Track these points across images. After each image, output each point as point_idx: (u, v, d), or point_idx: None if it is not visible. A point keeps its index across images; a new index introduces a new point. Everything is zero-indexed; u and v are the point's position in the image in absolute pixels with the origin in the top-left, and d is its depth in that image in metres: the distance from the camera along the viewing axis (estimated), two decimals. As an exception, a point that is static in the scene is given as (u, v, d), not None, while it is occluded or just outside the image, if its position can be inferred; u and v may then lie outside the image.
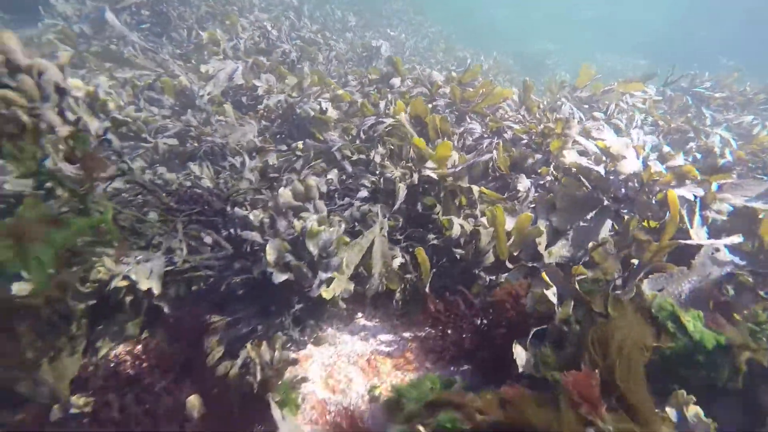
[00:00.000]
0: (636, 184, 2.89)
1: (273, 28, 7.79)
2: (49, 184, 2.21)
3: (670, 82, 6.59)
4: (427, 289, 2.66)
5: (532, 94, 4.98)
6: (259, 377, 2.14)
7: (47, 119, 2.16)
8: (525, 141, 3.83)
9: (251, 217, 2.69)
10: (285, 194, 2.51)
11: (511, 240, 2.71)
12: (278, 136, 4.52)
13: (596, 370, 1.78)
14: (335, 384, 2.40)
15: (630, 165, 2.88)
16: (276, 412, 2.05)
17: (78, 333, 2.07)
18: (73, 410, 1.98)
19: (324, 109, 4.55)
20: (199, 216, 2.67)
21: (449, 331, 2.49)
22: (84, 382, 2.11)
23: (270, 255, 2.33)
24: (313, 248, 2.31)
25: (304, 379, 2.34)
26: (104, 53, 5.96)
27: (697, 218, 2.72)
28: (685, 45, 21.74)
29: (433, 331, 2.60)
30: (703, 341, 2.04)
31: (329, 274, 2.34)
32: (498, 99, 4.76)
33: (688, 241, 2.42)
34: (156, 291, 2.30)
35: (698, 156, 4.26)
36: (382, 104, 4.61)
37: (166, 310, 2.48)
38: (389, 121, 3.88)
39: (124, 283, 2.19)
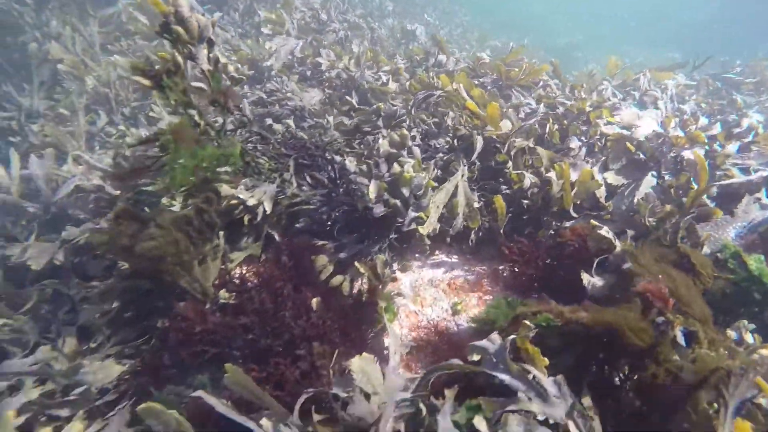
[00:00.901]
0: (660, 146, 3.25)
1: (322, 10, 8.18)
2: (192, 113, 2.64)
3: (697, 66, 6.81)
4: (501, 231, 3.05)
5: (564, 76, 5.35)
6: (366, 287, 2.55)
7: (199, 55, 2.59)
8: (573, 114, 4.18)
9: (347, 162, 3.10)
10: (384, 144, 2.90)
11: (574, 191, 3.07)
12: (339, 102, 4.91)
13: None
14: (422, 300, 2.81)
15: (641, 131, 3.27)
16: (384, 314, 2.47)
17: (217, 244, 2.50)
18: (221, 301, 2.43)
19: (385, 81, 4.94)
20: (303, 160, 3.08)
21: (520, 265, 2.87)
22: (223, 284, 2.55)
23: (372, 192, 2.73)
24: (405, 190, 2.71)
25: (399, 294, 2.75)
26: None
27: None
28: (721, 39, 21.56)
29: (504, 265, 2.99)
30: (762, 276, 2.37)
31: (419, 213, 2.73)
32: (539, 74, 5.12)
33: (729, 181, 2.75)
34: (268, 210, 2.71)
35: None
36: (433, 80, 4.98)
37: (277, 237, 2.91)
38: (439, 92, 4.25)
39: (235, 202, 2.60)
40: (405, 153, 2.89)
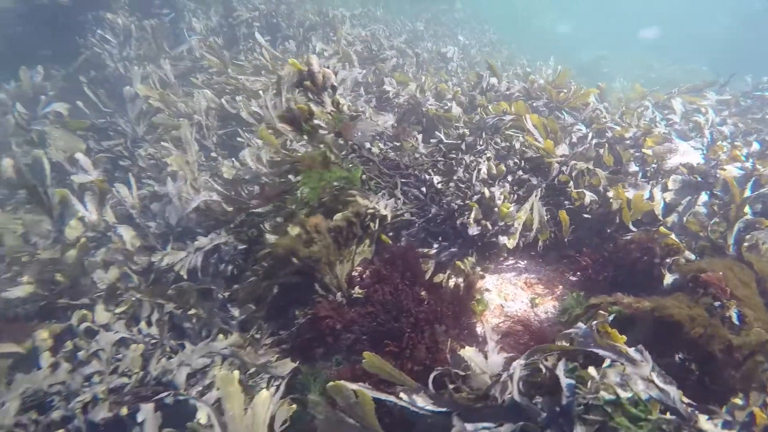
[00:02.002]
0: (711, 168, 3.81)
1: (373, 41, 8.94)
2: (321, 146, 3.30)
3: (724, 84, 7.27)
4: (565, 240, 3.62)
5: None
6: (462, 282, 3.14)
7: (324, 100, 3.25)
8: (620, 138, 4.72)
9: (435, 180, 3.72)
10: (483, 170, 3.52)
11: (631, 209, 3.62)
12: (408, 126, 5.55)
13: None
14: (506, 295, 3.38)
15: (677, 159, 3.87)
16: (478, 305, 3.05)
17: (352, 248, 3.12)
18: (354, 296, 3.04)
19: (449, 107, 5.58)
20: (401, 179, 3.70)
21: (588, 267, 3.42)
22: (349, 281, 3.16)
23: (472, 217, 3.34)
24: (500, 220, 3.31)
25: (487, 290, 3.33)
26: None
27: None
28: (750, 51, 21.75)
29: (570, 268, 3.55)
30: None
31: (509, 240, 3.33)
32: (587, 97, 5.69)
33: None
34: (388, 219, 3.33)
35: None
36: (489, 106, 5.59)
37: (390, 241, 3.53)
38: (508, 117, 4.87)
39: (371, 210, 3.22)
40: (497, 184, 3.50)
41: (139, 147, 5.84)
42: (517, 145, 4.20)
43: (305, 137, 3.25)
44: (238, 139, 5.46)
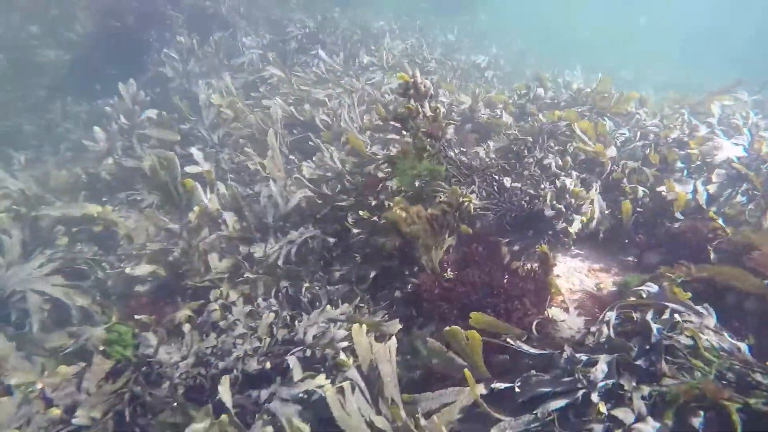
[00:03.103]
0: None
1: (415, 54, 9.53)
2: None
3: (760, 88, 7.64)
4: (629, 228, 4.09)
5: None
6: (539, 266, 3.62)
7: (425, 105, 3.79)
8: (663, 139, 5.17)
9: (506, 180, 4.23)
10: (553, 164, 4.02)
11: (680, 201, 4.08)
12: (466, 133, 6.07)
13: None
14: (573, 280, 3.85)
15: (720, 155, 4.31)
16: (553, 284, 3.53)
17: (444, 236, 3.63)
18: (446, 276, 3.55)
19: (500, 115, 6.09)
20: (477, 178, 4.22)
21: (644, 251, 3.89)
22: (441, 264, 3.67)
23: (549, 199, 3.83)
24: (572, 199, 3.79)
25: (557, 276, 3.80)
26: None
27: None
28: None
29: (629, 254, 4.01)
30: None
31: (581, 217, 3.81)
32: (627, 103, 6.17)
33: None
34: (471, 210, 3.83)
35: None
36: (540, 114, 6.09)
37: (470, 231, 4.03)
38: (563, 123, 5.36)
39: (467, 199, 3.72)
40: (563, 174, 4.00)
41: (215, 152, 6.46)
42: (571, 149, 4.68)
43: (407, 134, 3.81)
44: (310, 143, 6.03)
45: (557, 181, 3.93)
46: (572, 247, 4.23)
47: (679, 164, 4.54)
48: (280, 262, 4.15)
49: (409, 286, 3.56)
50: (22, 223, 4.72)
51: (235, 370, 2.85)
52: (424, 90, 3.71)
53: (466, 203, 3.61)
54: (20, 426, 2.26)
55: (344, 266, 3.97)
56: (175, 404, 2.35)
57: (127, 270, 4.28)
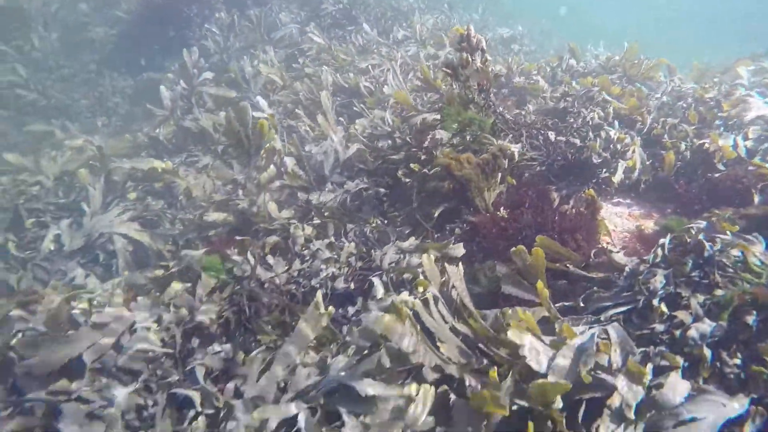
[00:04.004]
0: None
1: (445, 29, 9.73)
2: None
3: None
4: (671, 177, 4.33)
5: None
6: (587, 207, 3.89)
7: (476, 58, 4.05)
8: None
9: (550, 134, 4.49)
10: (595, 117, 4.27)
11: (724, 151, 4.30)
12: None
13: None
14: (615, 222, 4.12)
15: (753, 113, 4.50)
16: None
17: (495, 180, 3.92)
18: (500, 214, 3.84)
19: (536, 80, 6.32)
20: (525, 131, 4.48)
21: (682, 197, 4.13)
22: (493, 206, 3.96)
23: (596, 147, 4.09)
24: (618, 145, 4.05)
25: (602, 218, 4.07)
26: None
27: None
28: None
29: (669, 203, 4.26)
30: None
31: (626, 163, 4.06)
32: (657, 70, 6.37)
33: None
34: (516, 158, 4.11)
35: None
36: (573, 81, 6.31)
37: (514, 182, 4.31)
38: (597, 88, 5.58)
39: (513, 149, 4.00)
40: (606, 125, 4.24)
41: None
42: (610, 109, 4.92)
43: (457, 84, 4.09)
44: (354, 108, 6.34)
45: (602, 131, 4.18)
46: (613, 197, 4.48)
47: (717, 122, 4.74)
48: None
49: (466, 225, 3.86)
50: (99, 177, 5.13)
51: (324, 288, 3.19)
52: (476, 43, 3.97)
53: (512, 151, 3.89)
54: (156, 320, 2.63)
55: (401, 211, 4.29)
56: (281, 306, 2.70)
57: (203, 217, 4.66)
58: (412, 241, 3.65)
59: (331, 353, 2.35)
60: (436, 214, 3.92)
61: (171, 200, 5.49)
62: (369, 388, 1.93)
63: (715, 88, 5.30)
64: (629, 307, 2.71)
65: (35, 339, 2.29)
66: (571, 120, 4.57)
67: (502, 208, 3.92)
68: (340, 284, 3.18)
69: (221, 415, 2.10)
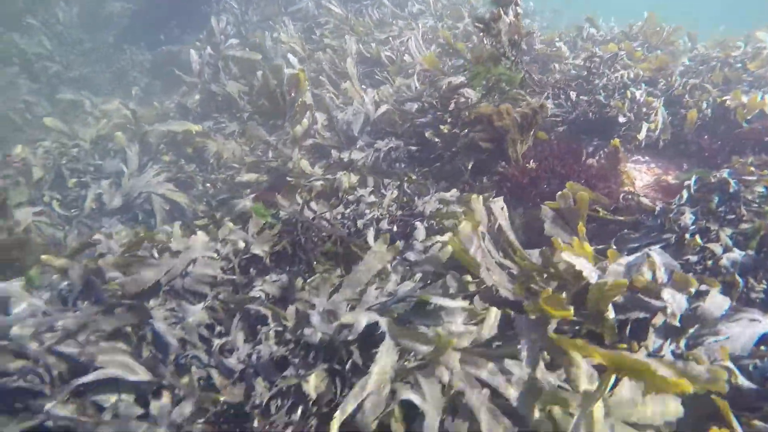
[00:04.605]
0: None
1: (461, 4, 9.77)
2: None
3: None
4: (692, 133, 4.47)
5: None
6: (610, 159, 4.04)
7: (508, 12, 4.17)
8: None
9: (572, 94, 4.62)
10: (623, 77, 4.39)
11: (750, 105, 4.42)
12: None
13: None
14: (635, 177, 4.27)
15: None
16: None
17: (528, 135, 4.07)
18: (529, 167, 4.00)
19: (558, 47, 6.42)
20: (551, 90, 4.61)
21: (704, 151, 4.27)
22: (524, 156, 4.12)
23: (624, 108, 4.22)
24: (644, 108, 4.18)
25: (626, 169, 4.22)
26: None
27: None
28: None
29: (687, 164, 4.40)
30: None
31: (649, 124, 4.20)
32: (677, 35, 6.49)
33: None
34: (548, 114, 4.24)
35: None
36: (596, 48, 6.41)
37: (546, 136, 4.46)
38: (622, 53, 5.69)
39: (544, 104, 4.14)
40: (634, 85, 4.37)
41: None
42: (632, 74, 5.03)
43: (488, 38, 4.21)
44: (376, 77, 6.47)
45: (627, 91, 4.31)
46: (633, 154, 4.63)
47: (743, 84, 4.86)
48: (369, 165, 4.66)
49: (498, 177, 4.02)
50: (135, 140, 5.31)
51: (371, 228, 3.36)
52: (508, -2, 4.09)
53: (545, 106, 4.03)
54: (216, 252, 2.82)
55: (432, 167, 4.45)
56: (334, 238, 2.88)
57: (236, 178, 4.85)
58: (453, 192, 3.81)
59: (396, 283, 2.52)
60: (469, 166, 4.08)
61: (201, 164, 5.67)
62: (440, 300, 2.11)
63: (740, 49, 5.40)
64: (661, 245, 2.87)
65: (127, 259, 2.50)
66: (596, 81, 4.69)
67: (531, 161, 4.08)
68: (384, 226, 3.35)
69: (293, 325, 2.29)
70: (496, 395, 1.87)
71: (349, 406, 1.72)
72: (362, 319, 1.98)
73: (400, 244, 2.97)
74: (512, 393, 1.86)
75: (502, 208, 3.20)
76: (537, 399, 1.84)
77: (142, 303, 2.36)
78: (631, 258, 2.33)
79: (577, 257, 2.25)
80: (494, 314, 2.10)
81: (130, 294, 2.38)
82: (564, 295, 2.29)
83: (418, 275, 2.49)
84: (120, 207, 5.00)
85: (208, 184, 5.26)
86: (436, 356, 1.85)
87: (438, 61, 5.07)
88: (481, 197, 3.30)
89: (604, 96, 4.45)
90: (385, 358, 1.84)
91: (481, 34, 4.24)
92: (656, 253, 2.40)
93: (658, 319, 2.27)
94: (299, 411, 2.01)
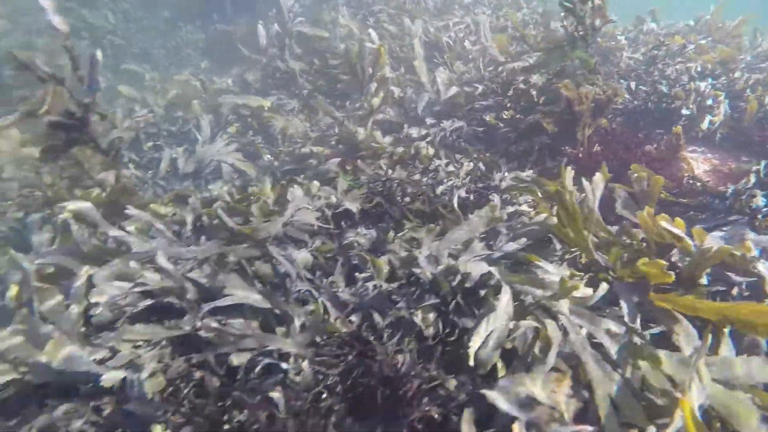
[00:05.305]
0: None
1: None
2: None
3: None
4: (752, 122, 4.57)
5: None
6: (664, 149, 4.16)
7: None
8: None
9: (632, 84, 4.74)
10: (684, 70, 4.50)
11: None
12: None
13: None
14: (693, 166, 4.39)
15: None
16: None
17: (600, 119, 4.22)
18: (594, 150, 4.15)
19: (619, 40, 6.52)
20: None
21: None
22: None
23: (683, 98, 4.34)
24: (708, 100, 4.29)
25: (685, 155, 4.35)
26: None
27: None
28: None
29: (745, 156, 4.50)
30: None
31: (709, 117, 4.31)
32: (741, 27, 6.57)
33: None
34: (621, 98, 4.38)
35: None
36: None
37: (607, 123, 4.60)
38: (691, 46, 5.77)
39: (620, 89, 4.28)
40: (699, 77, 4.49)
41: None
42: (699, 67, 5.13)
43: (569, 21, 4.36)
44: (434, 60, 6.66)
45: (692, 83, 4.42)
46: (689, 145, 4.74)
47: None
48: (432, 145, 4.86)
49: (565, 159, 4.19)
50: (207, 111, 5.60)
51: (451, 194, 3.56)
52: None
53: (620, 92, 4.18)
54: (311, 205, 3.06)
55: (499, 147, 4.64)
56: (422, 197, 3.10)
57: (302, 150, 5.09)
58: (529, 173, 3.99)
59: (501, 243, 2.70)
60: (537, 148, 4.26)
61: (266, 138, 5.94)
62: (544, 264, 2.30)
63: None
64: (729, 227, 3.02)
65: (239, 207, 2.78)
66: (656, 73, 4.81)
67: (596, 144, 4.23)
68: (462, 194, 3.55)
69: (400, 265, 2.52)
70: (594, 346, 2.05)
71: (478, 338, 1.93)
72: (477, 267, 2.18)
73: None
74: (611, 345, 2.03)
75: (591, 184, 3.38)
76: (634, 354, 2.01)
77: (263, 240, 2.61)
78: (721, 233, 2.49)
79: (675, 226, 2.42)
80: (605, 287, 2.26)
81: (255, 238, 2.63)
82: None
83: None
84: (191, 172, 5.29)
85: (272, 157, 5.53)
86: (551, 300, 2.05)
87: (508, 44, 5.24)
88: (571, 171, 3.49)
89: (666, 86, 4.56)
90: (506, 298, 2.04)
91: (564, 15, 4.38)
92: (747, 231, 2.56)
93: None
94: (407, 341, 2.24)
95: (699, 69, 4.72)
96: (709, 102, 4.40)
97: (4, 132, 5.92)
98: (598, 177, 3.29)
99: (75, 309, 2.07)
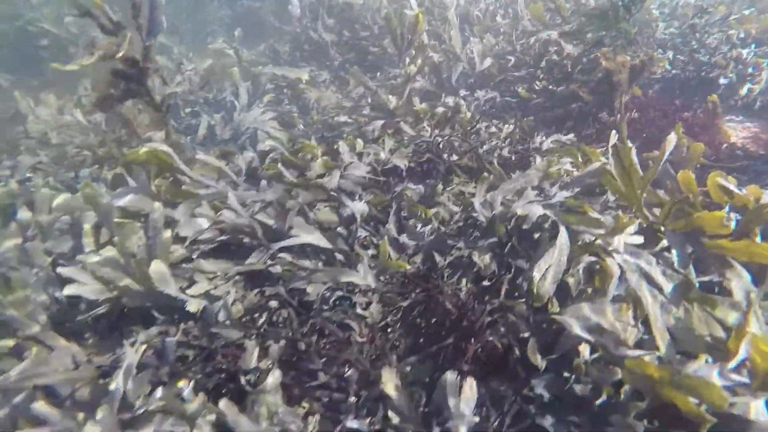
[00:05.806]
0: None
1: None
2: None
3: None
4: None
5: None
6: (702, 116, 4.19)
7: None
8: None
9: (669, 54, 4.74)
10: (726, 38, 4.51)
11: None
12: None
13: None
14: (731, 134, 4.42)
15: None
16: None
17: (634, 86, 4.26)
18: (631, 116, 4.19)
19: (653, 13, 6.49)
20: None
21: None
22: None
23: (730, 66, 4.35)
24: (750, 68, 4.30)
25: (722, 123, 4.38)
26: None
27: None
28: None
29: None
30: None
31: (749, 85, 4.32)
32: None
33: None
34: (656, 65, 4.42)
35: None
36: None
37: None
38: (734, 16, 5.73)
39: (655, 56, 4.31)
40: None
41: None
42: (742, 34, 5.11)
43: None
44: (465, 34, 6.67)
45: (734, 51, 4.43)
46: (727, 114, 4.75)
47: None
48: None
49: (600, 125, 4.24)
50: (245, 79, 5.70)
51: (494, 153, 3.64)
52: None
53: (655, 58, 4.20)
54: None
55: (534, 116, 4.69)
56: (469, 153, 3.19)
57: (336, 119, 5.19)
58: (570, 137, 4.05)
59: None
60: (574, 114, 4.31)
61: (299, 108, 6.04)
62: (595, 214, 2.39)
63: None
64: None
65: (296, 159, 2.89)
66: (698, 37, 4.80)
67: (633, 111, 4.28)
68: (505, 152, 3.63)
69: (460, 209, 2.62)
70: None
71: (538, 271, 2.04)
72: (533, 209, 2.28)
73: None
74: (665, 283, 2.12)
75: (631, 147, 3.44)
76: (687, 293, 2.09)
77: (324, 185, 2.73)
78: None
79: (728, 182, 2.49)
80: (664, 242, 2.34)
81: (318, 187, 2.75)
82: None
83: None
84: (228, 139, 5.41)
85: (305, 127, 5.63)
86: (608, 237, 2.14)
87: (543, 14, 5.27)
88: (616, 133, 3.55)
89: (705, 55, 4.57)
90: (563, 235, 2.14)
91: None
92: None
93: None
94: (465, 281, 2.35)
95: (742, 35, 4.71)
96: (751, 70, 4.40)
97: (43, 98, 6.10)
98: (671, 136, 3.36)
99: (164, 234, 2.20)
